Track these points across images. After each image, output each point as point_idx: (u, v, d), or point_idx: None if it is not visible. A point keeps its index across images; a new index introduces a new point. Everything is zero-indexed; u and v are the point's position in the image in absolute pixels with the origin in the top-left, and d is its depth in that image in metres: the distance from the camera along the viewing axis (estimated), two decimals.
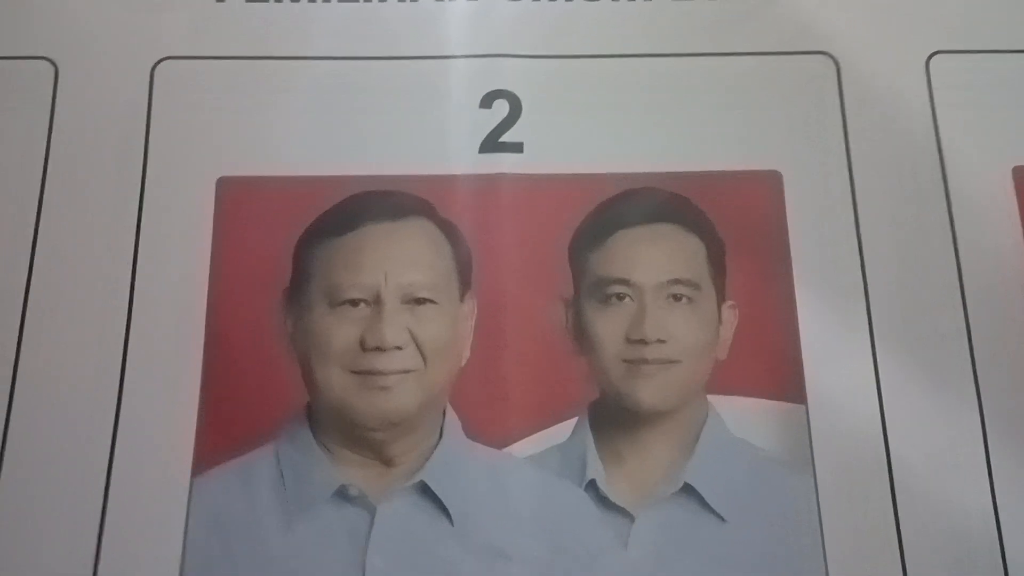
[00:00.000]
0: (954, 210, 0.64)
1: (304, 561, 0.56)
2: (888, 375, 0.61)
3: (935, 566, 0.57)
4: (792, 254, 0.63)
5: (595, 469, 0.60)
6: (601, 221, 0.63)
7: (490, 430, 0.60)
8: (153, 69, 0.66)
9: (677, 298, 0.61)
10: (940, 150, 0.65)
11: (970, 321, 0.61)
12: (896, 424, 0.60)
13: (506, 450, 0.59)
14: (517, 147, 0.66)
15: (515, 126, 0.66)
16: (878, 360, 0.61)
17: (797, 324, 0.62)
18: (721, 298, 0.62)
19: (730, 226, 0.64)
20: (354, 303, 0.59)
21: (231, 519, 0.57)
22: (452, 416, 0.60)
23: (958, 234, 0.63)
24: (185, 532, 0.56)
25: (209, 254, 0.62)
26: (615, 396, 0.61)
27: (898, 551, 0.58)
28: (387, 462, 0.59)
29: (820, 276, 0.63)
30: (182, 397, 0.59)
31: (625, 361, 0.61)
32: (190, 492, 0.57)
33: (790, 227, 0.64)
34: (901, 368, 0.61)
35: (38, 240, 0.61)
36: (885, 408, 0.60)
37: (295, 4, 0.69)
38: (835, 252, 0.64)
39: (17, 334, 0.59)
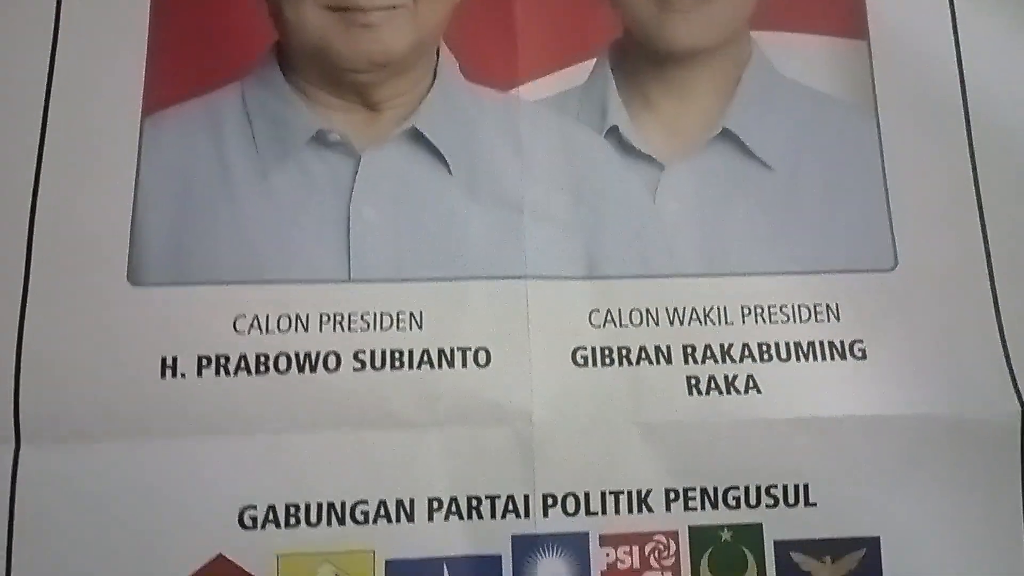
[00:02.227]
0: None
1: (280, 211, 0.48)
2: (964, 4, 0.52)
3: (1016, 205, 0.49)
4: None
5: (618, 115, 0.51)
6: None
7: (493, 72, 0.51)
8: None
9: None
10: None
11: None
12: (973, 59, 0.51)
13: (512, 93, 0.50)
14: None
15: None
16: None
17: None
18: None
19: None
20: None
21: (191, 165, 0.48)
22: (447, 56, 0.51)
23: None
24: (136, 178, 0.47)
25: None
26: (642, 35, 0.51)
27: (974, 194, 0.49)
28: (373, 107, 0.50)
29: None
30: (127, 28, 0.49)
31: None
32: (141, 134, 0.48)
33: None
34: None
35: None
36: (961, 42, 0.51)
37: None
38: None
39: None
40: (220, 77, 0.50)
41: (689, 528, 0.45)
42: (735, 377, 0.46)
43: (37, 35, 0.48)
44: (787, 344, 0.47)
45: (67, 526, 0.43)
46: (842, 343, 0.47)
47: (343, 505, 0.44)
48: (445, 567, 0.43)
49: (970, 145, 0.50)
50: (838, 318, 0.48)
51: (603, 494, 0.45)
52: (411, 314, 0.46)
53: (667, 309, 0.48)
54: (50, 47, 0.48)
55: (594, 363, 0.46)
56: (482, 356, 0.46)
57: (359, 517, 0.44)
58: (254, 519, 0.43)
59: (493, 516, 0.44)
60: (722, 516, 0.45)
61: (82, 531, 0.43)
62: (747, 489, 0.45)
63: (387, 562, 0.43)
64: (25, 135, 0.47)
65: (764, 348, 0.47)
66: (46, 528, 0.43)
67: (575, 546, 0.44)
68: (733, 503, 0.45)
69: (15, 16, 0.49)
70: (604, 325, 0.47)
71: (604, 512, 0.45)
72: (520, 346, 0.46)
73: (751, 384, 0.46)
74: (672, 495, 0.45)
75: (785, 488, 0.45)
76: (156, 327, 0.45)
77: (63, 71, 0.48)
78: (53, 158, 0.47)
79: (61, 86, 0.48)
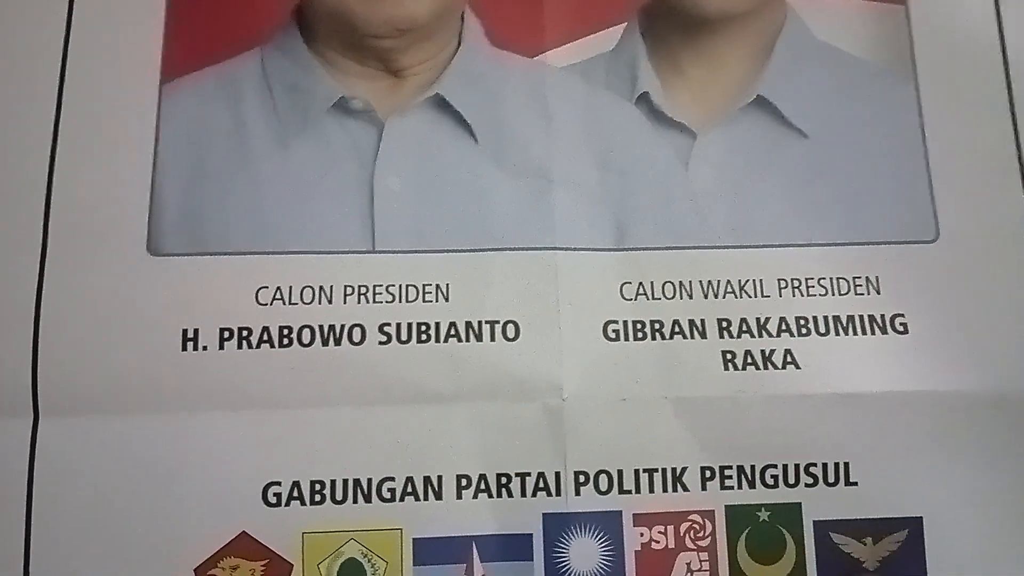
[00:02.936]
0: None
1: (302, 179, 0.46)
2: None
3: None
4: None
5: (648, 81, 0.49)
6: None
7: (520, 37, 0.49)
8: None
9: None
10: None
11: None
12: (1015, 21, 0.49)
13: (539, 59, 0.49)
14: None
15: None
16: None
17: None
18: None
19: None
20: None
21: (211, 133, 0.47)
22: (473, 21, 0.49)
23: None
24: (155, 147, 0.46)
25: None
26: None
27: (1017, 161, 0.48)
28: (396, 74, 0.49)
29: None
30: None
31: None
32: (159, 102, 0.47)
33: None
34: None
35: None
36: (1001, 4, 0.49)
37: None
38: None
39: None
40: (240, 44, 0.48)
41: (726, 507, 0.43)
42: (772, 352, 0.45)
43: (52, 5, 0.47)
44: (825, 318, 0.45)
45: (86, 501, 0.42)
46: (883, 317, 0.46)
47: (369, 482, 0.43)
48: (474, 546, 0.42)
49: (1012, 111, 0.48)
50: (878, 291, 0.46)
51: (636, 472, 0.43)
52: (437, 286, 0.45)
53: (701, 282, 0.46)
54: (66, 13, 0.47)
55: (626, 337, 0.45)
56: (511, 329, 0.45)
57: (386, 494, 0.43)
58: (278, 496, 0.42)
59: (523, 494, 0.43)
60: (760, 495, 0.43)
61: (101, 507, 0.42)
62: (785, 467, 0.44)
63: (415, 540, 0.42)
64: (41, 104, 0.46)
65: (802, 322, 0.45)
66: (65, 503, 0.42)
67: (608, 525, 0.43)
68: (771, 482, 0.44)
69: None
70: (636, 298, 0.46)
71: (638, 491, 0.43)
72: (550, 319, 0.45)
73: (789, 359, 0.45)
74: (708, 473, 0.44)
75: (825, 466, 0.44)
76: (176, 298, 0.44)
77: (79, 38, 0.47)
78: (70, 127, 0.46)
79: (77, 54, 0.47)
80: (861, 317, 0.46)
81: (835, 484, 0.44)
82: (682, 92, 0.50)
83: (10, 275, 0.44)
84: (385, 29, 0.48)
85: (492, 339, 0.44)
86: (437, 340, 0.44)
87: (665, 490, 0.43)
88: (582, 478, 0.43)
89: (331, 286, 0.45)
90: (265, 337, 0.44)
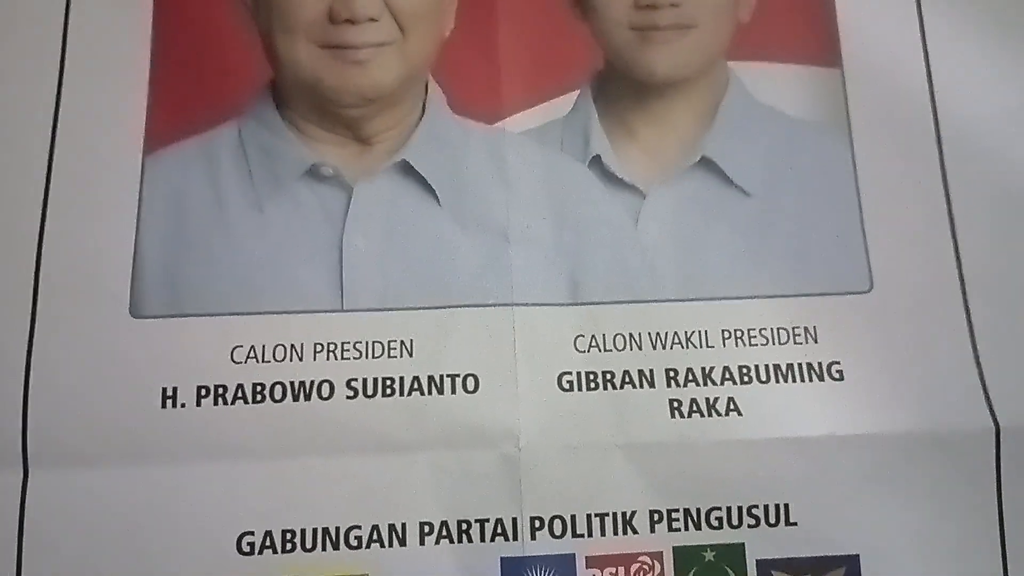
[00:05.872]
0: None
1: (275, 242, 0.50)
2: (935, 32, 0.53)
3: (987, 224, 0.50)
4: None
5: (600, 144, 0.52)
6: None
7: (480, 104, 0.52)
8: None
9: None
10: None
11: None
12: (945, 85, 0.52)
13: (498, 125, 0.52)
14: None
15: None
16: (924, 16, 0.53)
17: None
18: None
19: None
20: None
21: (190, 201, 0.50)
22: (436, 90, 0.53)
23: None
24: (138, 215, 0.49)
25: None
26: (623, 66, 0.53)
27: (947, 215, 0.51)
28: (364, 141, 0.52)
29: None
30: (129, 71, 0.51)
31: (633, 28, 0.53)
32: (142, 172, 0.50)
33: None
34: (950, 24, 0.53)
35: None
36: (932, 69, 0.53)
37: None
38: None
39: None
40: (218, 115, 0.52)
41: (673, 548, 0.46)
42: (716, 400, 0.48)
43: (43, 81, 0.50)
44: (766, 367, 0.48)
45: (72, 551, 0.45)
46: (820, 365, 0.49)
47: (337, 530, 0.45)
48: None
49: (942, 168, 0.51)
50: (816, 340, 0.49)
51: (589, 516, 0.46)
52: (401, 342, 0.48)
53: (650, 334, 0.49)
54: (55, 91, 0.50)
55: (579, 387, 0.48)
56: (470, 382, 0.48)
57: (353, 542, 0.45)
58: (252, 545, 0.45)
59: (482, 539, 0.46)
60: (705, 536, 0.46)
61: (86, 557, 0.45)
62: (729, 509, 0.47)
63: None
64: (32, 176, 0.49)
65: (744, 371, 0.48)
66: (52, 553, 0.45)
67: (562, 568, 0.45)
68: (716, 523, 0.46)
69: (22, 63, 0.51)
70: (589, 350, 0.49)
71: (590, 534, 0.46)
72: (507, 372, 0.48)
73: (732, 406, 0.48)
74: (656, 516, 0.46)
75: (766, 508, 0.47)
76: (157, 358, 0.47)
77: (68, 114, 0.50)
78: (59, 197, 0.49)
79: (66, 128, 0.50)
80: (800, 365, 0.49)
81: (776, 524, 0.46)
82: (632, 153, 0.53)
83: (2, 337, 0.47)
84: (353, 99, 0.51)
85: (453, 391, 0.47)
86: (401, 394, 0.47)
87: (616, 533, 0.46)
88: (537, 523, 0.46)
89: (302, 344, 0.48)
90: (239, 394, 0.47)
